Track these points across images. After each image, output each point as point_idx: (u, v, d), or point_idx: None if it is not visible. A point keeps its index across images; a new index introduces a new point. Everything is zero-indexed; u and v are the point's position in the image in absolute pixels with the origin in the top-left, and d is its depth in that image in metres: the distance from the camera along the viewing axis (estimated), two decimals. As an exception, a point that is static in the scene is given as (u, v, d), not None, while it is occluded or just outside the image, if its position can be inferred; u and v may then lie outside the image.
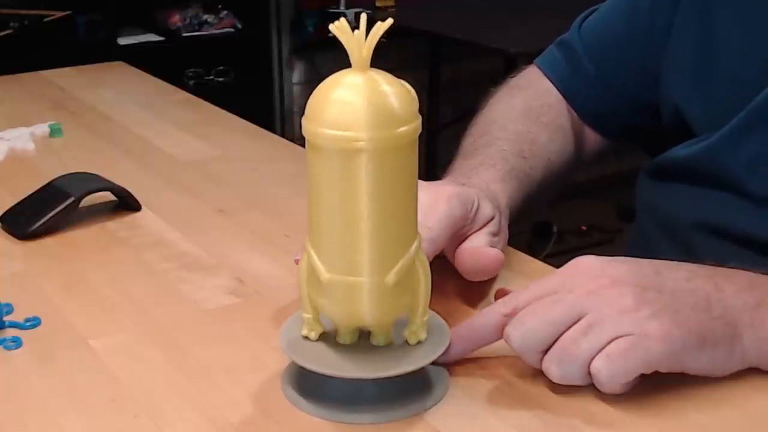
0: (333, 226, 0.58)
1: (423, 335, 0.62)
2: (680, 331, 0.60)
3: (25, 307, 0.76)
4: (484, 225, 0.76)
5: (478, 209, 0.75)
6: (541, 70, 1.02)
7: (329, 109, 0.56)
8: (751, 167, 0.82)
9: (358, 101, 0.56)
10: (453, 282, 0.77)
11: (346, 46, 0.57)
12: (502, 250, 0.77)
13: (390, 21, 0.56)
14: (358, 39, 0.56)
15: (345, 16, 3.07)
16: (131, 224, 0.95)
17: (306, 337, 0.63)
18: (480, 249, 0.74)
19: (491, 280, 0.79)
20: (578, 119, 1.00)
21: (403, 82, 0.59)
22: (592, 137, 1.01)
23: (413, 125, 0.57)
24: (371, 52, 0.57)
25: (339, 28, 0.57)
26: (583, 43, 0.99)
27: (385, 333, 0.63)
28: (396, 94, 0.57)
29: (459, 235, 0.75)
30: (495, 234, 0.76)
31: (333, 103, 0.56)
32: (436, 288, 0.76)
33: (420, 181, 0.75)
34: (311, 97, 0.58)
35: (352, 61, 0.57)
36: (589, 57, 0.98)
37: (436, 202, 0.72)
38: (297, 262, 0.74)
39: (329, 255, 0.59)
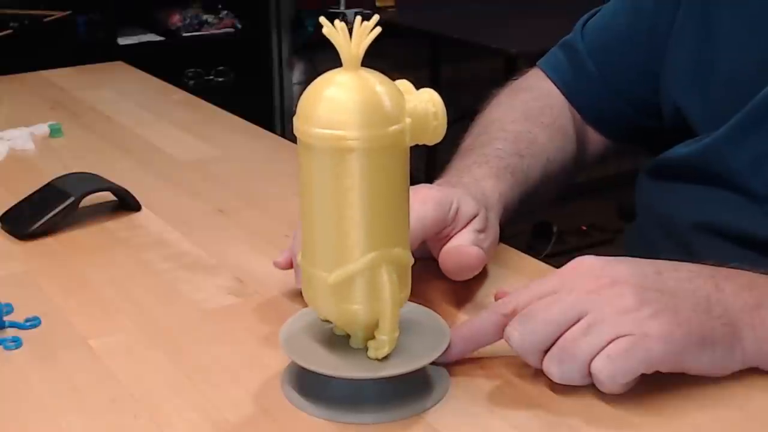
0: (324, 224, 0.59)
1: (382, 353, 0.60)
2: (681, 331, 0.60)
3: (25, 307, 0.76)
4: (468, 223, 0.76)
5: (458, 209, 0.75)
6: (543, 71, 1.02)
7: (320, 108, 0.56)
8: (753, 166, 0.82)
9: (349, 100, 0.56)
10: (451, 282, 0.77)
11: (337, 46, 0.57)
12: (491, 246, 0.77)
13: (376, 17, 0.56)
14: (348, 38, 0.56)
15: (345, 16, 3.07)
16: (131, 224, 0.95)
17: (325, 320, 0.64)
18: (460, 248, 0.74)
19: (491, 281, 0.79)
20: (581, 121, 1.00)
21: (431, 92, 0.58)
22: (595, 138, 1.01)
23: (404, 124, 0.57)
24: (362, 51, 0.57)
25: (330, 28, 0.57)
26: (586, 44, 0.99)
27: (360, 336, 0.62)
28: (387, 92, 0.57)
29: (442, 236, 0.75)
30: (481, 231, 0.76)
31: (324, 102, 0.56)
32: (434, 288, 0.77)
33: None
34: (302, 96, 0.58)
35: (343, 61, 0.57)
36: (591, 59, 0.98)
37: (410, 205, 0.72)
38: (276, 264, 0.75)
39: (321, 252, 0.59)
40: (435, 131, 0.59)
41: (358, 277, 0.59)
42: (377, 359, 0.61)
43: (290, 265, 0.76)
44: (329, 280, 0.59)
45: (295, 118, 0.58)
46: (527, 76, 1.04)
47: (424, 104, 0.59)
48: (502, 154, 0.88)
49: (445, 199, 0.75)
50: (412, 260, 0.62)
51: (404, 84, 0.60)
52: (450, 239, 0.75)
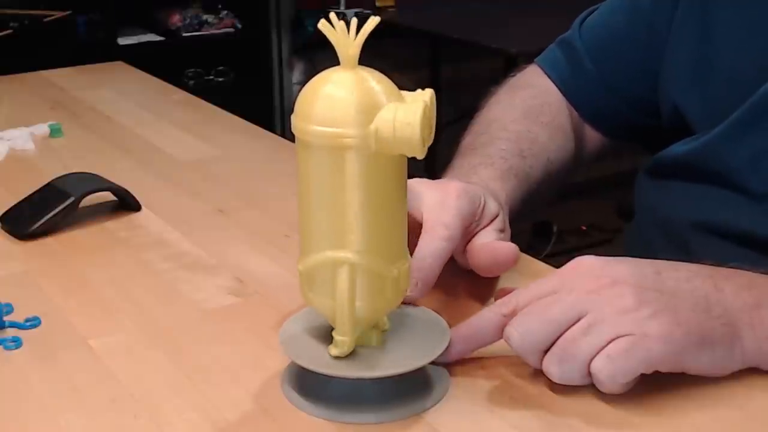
0: (320, 221, 0.59)
1: (337, 352, 0.60)
2: (680, 331, 0.60)
3: (25, 307, 0.76)
4: (491, 221, 0.76)
5: (484, 205, 0.75)
6: (541, 69, 1.02)
7: (318, 106, 0.57)
8: (752, 164, 0.82)
9: (347, 98, 0.56)
10: (453, 281, 0.77)
11: (334, 44, 0.57)
12: None
13: (377, 19, 0.56)
14: (345, 37, 0.57)
15: (345, 15, 3.08)
16: (131, 224, 0.95)
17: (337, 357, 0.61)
18: (495, 244, 0.74)
19: (492, 280, 0.79)
20: (579, 118, 1.00)
21: (417, 104, 0.57)
22: (593, 136, 1.01)
23: (368, 129, 0.57)
24: (359, 49, 0.57)
25: (327, 26, 0.57)
26: (584, 42, 0.99)
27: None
28: (384, 91, 0.57)
29: (468, 232, 0.75)
30: (502, 230, 0.77)
31: (321, 100, 0.57)
32: (435, 288, 0.76)
33: (426, 180, 0.75)
34: (300, 94, 0.58)
35: (340, 59, 0.57)
36: (589, 56, 0.98)
37: (445, 199, 0.72)
38: None
39: (317, 249, 0.59)
40: (409, 143, 0.56)
41: (333, 272, 0.59)
42: (332, 357, 0.61)
43: None
44: (299, 267, 0.60)
45: (293, 116, 0.58)
46: (525, 72, 1.04)
47: (404, 114, 0.56)
48: (506, 155, 0.88)
49: (475, 194, 0.75)
50: (399, 273, 0.60)
51: (427, 93, 0.58)
52: (473, 236, 0.75)
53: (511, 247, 0.74)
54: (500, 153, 0.88)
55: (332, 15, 0.57)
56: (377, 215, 0.58)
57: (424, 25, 3.02)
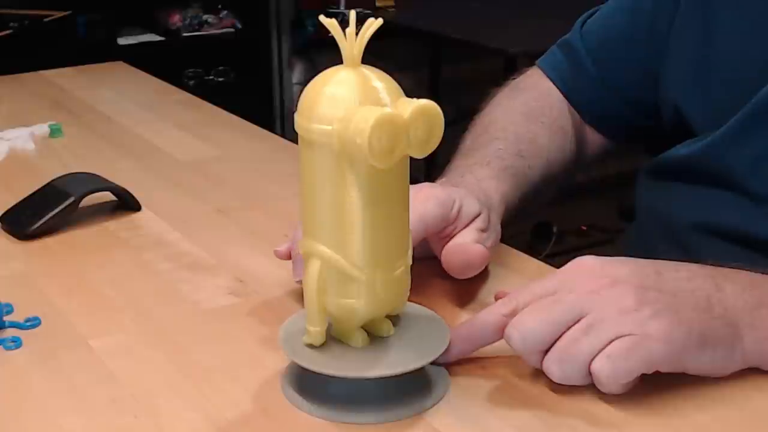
0: (323, 219, 0.59)
1: (305, 339, 0.62)
2: (681, 331, 0.60)
3: (25, 307, 0.76)
4: (471, 222, 0.76)
5: (461, 208, 0.75)
6: (542, 70, 1.02)
7: (321, 105, 0.57)
8: (753, 166, 0.82)
9: (350, 97, 0.56)
10: (451, 282, 0.77)
11: (338, 43, 0.57)
12: (493, 246, 0.77)
13: (380, 21, 0.56)
14: (350, 36, 0.57)
15: (345, 15, 3.08)
16: (131, 224, 0.95)
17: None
18: (463, 245, 0.74)
19: (492, 281, 0.79)
20: (580, 120, 1.00)
21: (376, 110, 0.56)
22: (594, 138, 1.01)
23: (333, 128, 0.57)
24: (362, 48, 0.57)
25: (333, 24, 0.57)
26: (585, 43, 0.99)
27: (335, 329, 0.63)
28: (387, 89, 0.57)
29: (444, 235, 0.75)
30: (483, 230, 0.76)
31: (325, 99, 0.57)
32: (435, 288, 0.77)
33: None
34: (304, 92, 0.58)
35: (343, 58, 0.57)
36: (590, 58, 0.98)
37: (411, 204, 0.72)
38: (276, 252, 0.76)
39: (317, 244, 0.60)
40: (359, 150, 0.55)
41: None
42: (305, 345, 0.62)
43: (290, 256, 0.76)
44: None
45: (296, 114, 0.58)
46: (526, 75, 1.04)
47: (360, 118, 0.55)
48: (503, 155, 0.88)
49: (447, 198, 0.75)
50: (400, 271, 0.61)
51: (420, 102, 0.57)
52: (451, 238, 0.75)
53: (478, 249, 0.74)
54: (497, 153, 0.88)
55: (355, 15, 0.57)
56: (378, 214, 0.58)
57: (424, 25, 3.02)
